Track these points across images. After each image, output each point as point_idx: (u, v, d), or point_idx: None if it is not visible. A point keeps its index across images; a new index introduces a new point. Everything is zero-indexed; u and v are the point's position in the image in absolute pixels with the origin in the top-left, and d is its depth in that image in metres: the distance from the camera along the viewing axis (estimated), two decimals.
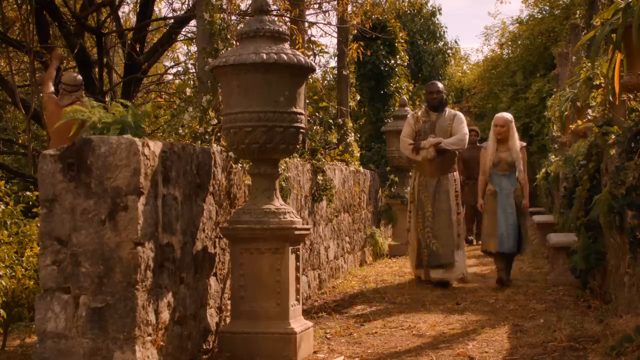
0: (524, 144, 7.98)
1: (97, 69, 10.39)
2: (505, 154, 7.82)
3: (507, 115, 7.95)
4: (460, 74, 30.29)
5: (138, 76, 10.40)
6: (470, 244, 12.04)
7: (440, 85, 8.43)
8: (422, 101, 8.58)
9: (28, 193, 6.14)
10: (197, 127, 5.54)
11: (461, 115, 8.30)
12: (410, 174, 8.46)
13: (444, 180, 8.08)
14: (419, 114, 8.32)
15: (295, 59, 4.81)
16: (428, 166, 8.08)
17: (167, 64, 15.63)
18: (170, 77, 13.85)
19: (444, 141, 8.01)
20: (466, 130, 8.17)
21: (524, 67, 24.76)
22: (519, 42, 26.34)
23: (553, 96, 13.99)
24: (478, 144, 11.49)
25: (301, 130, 5.01)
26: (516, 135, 7.90)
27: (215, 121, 5.59)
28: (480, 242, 9.28)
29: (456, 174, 8.23)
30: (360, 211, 10.51)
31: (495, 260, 8.07)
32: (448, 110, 8.31)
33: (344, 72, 10.60)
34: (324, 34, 35.69)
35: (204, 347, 4.85)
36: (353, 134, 10.63)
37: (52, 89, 7.09)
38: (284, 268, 4.87)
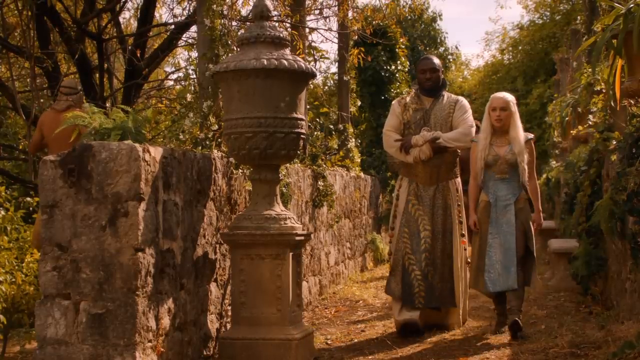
0: (531, 135, 5.76)
1: (97, 75, 10.40)
2: (504, 148, 5.61)
3: (508, 96, 5.72)
4: (461, 80, 30.39)
5: (139, 82, 10.40)
6: None
7: (436, 60, 6.15)
8: (413, 83, 6.39)
9: (28, 199, 6.15)
10: (198, 132, 5.54)
11: (465, 101, 6.11)
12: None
13: (444, 190, 6.00)
14: (408, 100, 6.12)
15: (296, 65, 4.81)
16: (422, 170, 5.98)
17: (168, 69, 15.67)
18: (171, 82, 13.87)
19: (443, 136, 5.91)
20: (472, 121, 6.01)
21: (524, 73, 24.86)
22: (520, 47, 26.47)
23: (554, 102, 14.04)
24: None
25: (302, 135, 5.00)
26: (519, 122, 5.70)
27: (215, 127, 5.59)
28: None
29: (458, 180, 6.15)
30: (360, 217, 10.50)
31: (494, 302, 5.88)
32: (447, 95, 6.11)
33: (344, 78, 10.61)
34: (325, 39, 35.82)
35: (205, 353, 4.84)
36: (354, 140, 10.65)
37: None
38: (285, 274, 4.86)
